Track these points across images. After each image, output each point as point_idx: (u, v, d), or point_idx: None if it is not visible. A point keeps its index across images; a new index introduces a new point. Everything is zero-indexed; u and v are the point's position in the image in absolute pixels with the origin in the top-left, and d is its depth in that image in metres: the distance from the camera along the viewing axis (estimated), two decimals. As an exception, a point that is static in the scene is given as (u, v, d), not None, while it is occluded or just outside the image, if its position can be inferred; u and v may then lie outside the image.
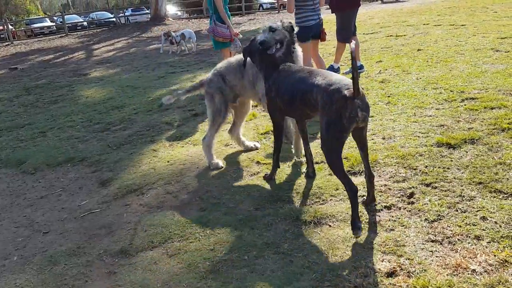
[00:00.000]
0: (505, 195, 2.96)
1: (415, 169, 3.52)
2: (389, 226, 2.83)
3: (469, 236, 2.59)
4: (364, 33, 12.37)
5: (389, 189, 3.30)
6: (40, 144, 5.57)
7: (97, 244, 3.10)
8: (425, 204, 3.01)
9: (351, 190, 2.75)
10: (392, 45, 9.66)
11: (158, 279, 2.60)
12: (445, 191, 3.13)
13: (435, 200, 3.02)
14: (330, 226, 2.92)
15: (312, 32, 5.93)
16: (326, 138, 2.78)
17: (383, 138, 4.25)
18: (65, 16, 30.05)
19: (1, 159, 5.19)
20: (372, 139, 4.28)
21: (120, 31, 23.94)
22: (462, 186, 3.17)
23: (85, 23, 33.83)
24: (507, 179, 3.16)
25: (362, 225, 2.84)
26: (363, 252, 2.58)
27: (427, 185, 3.25)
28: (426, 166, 3.55)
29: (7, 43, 23.35)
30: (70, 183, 4.27)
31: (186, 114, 6.08)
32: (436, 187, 3.20)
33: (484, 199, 2.96)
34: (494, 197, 2.97)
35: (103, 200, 3.81)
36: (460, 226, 2.69)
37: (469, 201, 2.96)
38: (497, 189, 3.04)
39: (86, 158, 4.84)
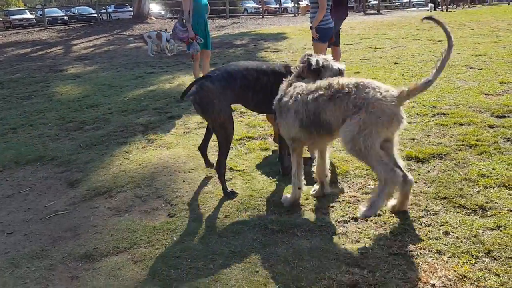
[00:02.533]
0: (468, 211, 3.03)
1: (384, 182, 3.58)
2: (355, 237, 2.87)
3: (431, 251, 2.64)
4: (345, 44, 12.54)
5: (358, 200, 3.34)
6: (10, 141, 5.45)
7: (61, 247, 3.04)
8: (391, 216, 3.06)
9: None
10: (370, 57, 9.82)
11: (121, 286, 2.57)
12: (411, 204, 3.19)
13: (401, 213, 3.08)
14: (297, 235, 2.94)
15: (330, 34, 6.34)
16: None
17: (355, 150, 4.31)
18: (45, 9, 29.52)
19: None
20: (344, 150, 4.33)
21: (101, 28, 23.63)
22: (427, 200, 3.24)
23: (66, 18, 33.24)
24: (471, 195, 3.24)
25: (330, 236, 2.88)
26: (328, 263, 2.61)
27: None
28: (395, 179, 3.61)
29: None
30: (38, 183, 4.18)
31: (162, 116, 6.03)
32: (403, 201, 3.26)
33: (447, 214, 3.03)
34: (458, 212, 3.04)
35: (71, 201, 3.75)
36: (423, 240, 2.75)
37: (433, 215, 3.03)
38: (461, 205, 3.12)
39: (56, 157, 4.75)
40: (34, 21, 31.16)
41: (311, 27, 6.53)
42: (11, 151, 5.05)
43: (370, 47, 11.44)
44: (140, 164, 4.39)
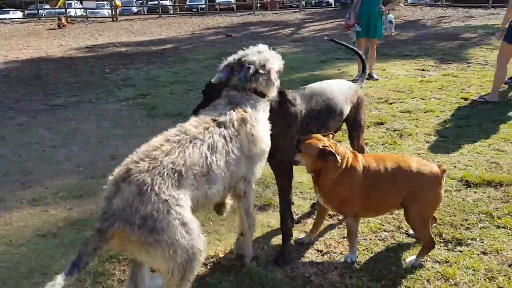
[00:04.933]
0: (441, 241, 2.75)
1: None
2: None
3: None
4: None
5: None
6: (179, 99, 7.05)
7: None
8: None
9: None
10: None
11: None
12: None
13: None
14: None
15: None
16: None
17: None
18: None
19: (146, 102, 6.87)
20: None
21: (344, 13, 24.71)
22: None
23: (331, 1, 34.45)
24: (467, 227, 2.85)
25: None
26: None
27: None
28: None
29: (249, 13, 27.03)
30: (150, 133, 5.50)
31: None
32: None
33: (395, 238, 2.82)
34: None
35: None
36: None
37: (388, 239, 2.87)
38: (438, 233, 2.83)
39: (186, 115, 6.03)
40: (303, 3, 33.74)
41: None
42: (171, 105, 6.61)
43: None
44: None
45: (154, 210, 1.96)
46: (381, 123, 5.27)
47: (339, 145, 2.61)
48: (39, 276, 2.64)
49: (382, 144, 4.62)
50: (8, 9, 35.80)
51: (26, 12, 33.54)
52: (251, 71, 2.45)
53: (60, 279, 1.79)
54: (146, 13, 32.14)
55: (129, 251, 2.05)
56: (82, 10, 30.74)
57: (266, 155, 2.52)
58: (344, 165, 2.53)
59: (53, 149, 5.06)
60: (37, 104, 7.32)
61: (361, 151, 3.02)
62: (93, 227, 1.97)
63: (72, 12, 29.99)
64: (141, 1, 37.23)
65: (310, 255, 2.76)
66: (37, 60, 12.22)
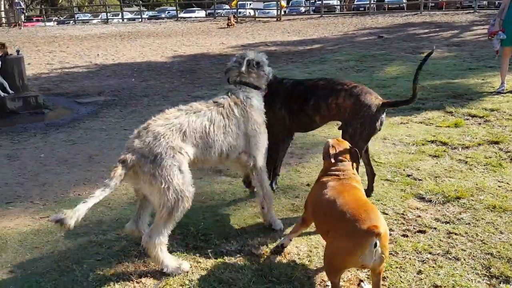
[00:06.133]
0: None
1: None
2: None
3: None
4: None
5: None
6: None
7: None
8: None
9: None
10: None
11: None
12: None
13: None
14: None
15: None
16: None
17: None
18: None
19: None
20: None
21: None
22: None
23: None
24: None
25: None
26: None
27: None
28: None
29: (415, 13, 25.63)
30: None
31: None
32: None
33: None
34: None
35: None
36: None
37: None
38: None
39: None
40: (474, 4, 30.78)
41: None
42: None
43: None
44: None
45: (163, 151, 2.58)
46: (496, 142, 4.75)
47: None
48: (112, 234, 3.27)
49: (484, 165, 4.20)
50: (194, 8, 40.53)
51: (208, 11, 37.66)
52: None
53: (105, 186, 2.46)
54: (312, 12, 33.05)
55: (140, 180, 2.60)
56: (253, 10, 33.13)
57: (261, 135, 3.06)
58: (326, 171, 2.70)
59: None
60: (183, 95, 8.43)
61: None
62: (117, 160, 2.56)
63: (245, 12, 32.61)
64: (310, 1, 38.30)
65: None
66: (199, 56, 13.85)
